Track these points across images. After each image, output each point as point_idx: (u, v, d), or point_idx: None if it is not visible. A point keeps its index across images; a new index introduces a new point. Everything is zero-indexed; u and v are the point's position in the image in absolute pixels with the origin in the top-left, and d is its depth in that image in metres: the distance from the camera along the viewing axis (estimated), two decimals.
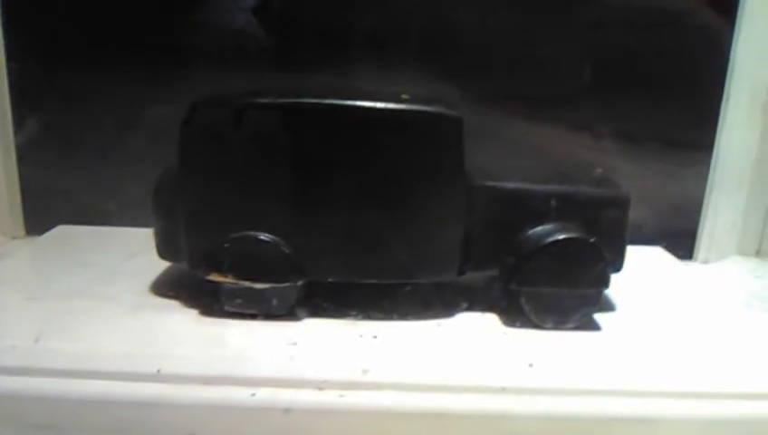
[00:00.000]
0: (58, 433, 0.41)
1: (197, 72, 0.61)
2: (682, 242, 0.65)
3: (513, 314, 0.49)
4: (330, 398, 0.40)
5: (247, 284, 0.46)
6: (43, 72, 0.63)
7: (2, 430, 0.41)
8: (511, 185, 0.48)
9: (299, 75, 0.62)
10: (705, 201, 0.64)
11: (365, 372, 0.41)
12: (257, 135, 0.45)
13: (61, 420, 0.40)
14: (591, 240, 0.46)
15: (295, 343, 0.45)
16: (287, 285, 0.47)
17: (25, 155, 0.66)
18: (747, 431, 0.41)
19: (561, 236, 0.47)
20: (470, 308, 0.50)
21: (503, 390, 0.41)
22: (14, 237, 0.68)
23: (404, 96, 0.46)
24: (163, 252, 0.49)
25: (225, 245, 0.46)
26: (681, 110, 0.62)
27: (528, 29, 0.61)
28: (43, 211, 0.68)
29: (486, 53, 0.61)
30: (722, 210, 0.64)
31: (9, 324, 0.47)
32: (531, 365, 0.43)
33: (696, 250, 0.65)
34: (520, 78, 0.61)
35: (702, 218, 0.65)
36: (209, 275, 0.46)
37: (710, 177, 0.63)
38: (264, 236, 0.46)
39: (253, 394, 0.40)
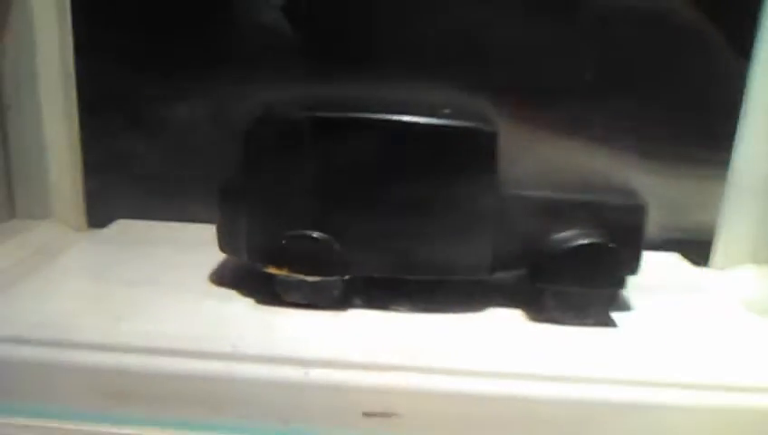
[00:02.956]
0: (139, 402, 0.47)
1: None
2: (699, 249, 0.69)
3: (538, 311, 0.54)
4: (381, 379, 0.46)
5: (301, 276, 0.52)
6: (104, 70, 0.68)
7: (87, 399, 0.47)
8: (538, 194, 0.53)
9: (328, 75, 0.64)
10: (722, 210, 0.68)
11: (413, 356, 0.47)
12: (315, 145, 0.51)
13: (142, 390, 0.47)
14: (610, 245, 0.51)
15: (344, 330, 0.51)
16: (336, 278, 0.52)
17: (89, 152, 0.71)
18: (739, 420, 0.46)
19: (583, 241, 0.52)
20: (498, 304, 0.56)
21: (530, 376, 0.46)
22: (78, 230, 0.74)
23: (446, 111, 0.52)
24: (224, 246, 0.55)
25: (283, 242, 0.52)
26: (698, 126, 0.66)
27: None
28: (103, 206, 0.74)
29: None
30: (737, 220, 0.68)
31: (91, 306, 0.54)
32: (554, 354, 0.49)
33: (711, 257, 0.70)
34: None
35: (718, 227, 0.69)
36: (267, 268, 0.52)
37: (726, 186, 0.68)
38: (316, 235, 0.52)
39: (306, 373, 0.46)
